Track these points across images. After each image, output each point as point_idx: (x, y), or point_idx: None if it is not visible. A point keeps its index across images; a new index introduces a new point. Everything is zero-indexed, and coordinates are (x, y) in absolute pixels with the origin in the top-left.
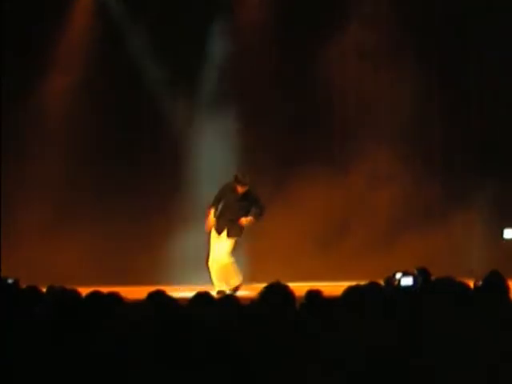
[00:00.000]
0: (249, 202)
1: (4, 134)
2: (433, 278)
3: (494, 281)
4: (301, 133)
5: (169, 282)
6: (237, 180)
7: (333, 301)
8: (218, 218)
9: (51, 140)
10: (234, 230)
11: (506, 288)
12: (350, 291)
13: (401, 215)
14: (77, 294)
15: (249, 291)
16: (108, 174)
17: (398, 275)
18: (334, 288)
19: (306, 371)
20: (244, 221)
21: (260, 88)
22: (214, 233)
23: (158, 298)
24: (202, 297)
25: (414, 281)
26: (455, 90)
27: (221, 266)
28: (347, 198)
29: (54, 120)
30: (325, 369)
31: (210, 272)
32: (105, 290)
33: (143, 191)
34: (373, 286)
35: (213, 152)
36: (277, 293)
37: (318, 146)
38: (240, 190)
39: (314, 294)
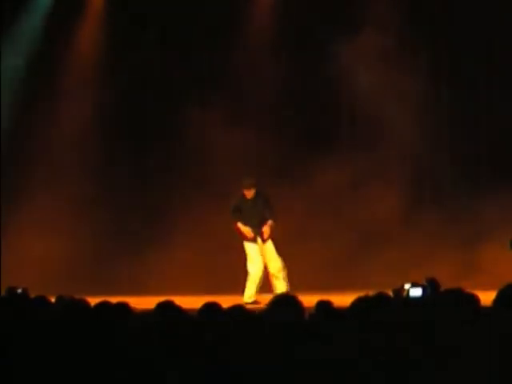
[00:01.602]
0: (261, 207)
1: (4, 133)
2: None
3: (509, 293)
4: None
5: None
6: (242, 185)
7: (342, 311)
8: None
9: (55, 143)
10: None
11: None
12: (358, 302)
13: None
14: (86, 304)
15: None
16: (114, 178)
17: (407, 286)
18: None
19: (317, 380)
20: (266, 233)
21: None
22: (250, 244)
23: (167, 308)
24: (211, 307)
25: (423, 292)
26: (465, 91)
27: (279, 269)
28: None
29: (62, 124)
30: (335, 377)
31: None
32: (114, 300)
33: (151, 194)
34: (381, 296)
35: (222, 163)
36: (286, 303)
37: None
38: (248, 195)
39: (324, 304)
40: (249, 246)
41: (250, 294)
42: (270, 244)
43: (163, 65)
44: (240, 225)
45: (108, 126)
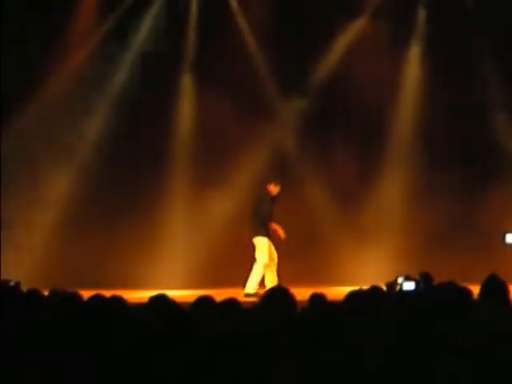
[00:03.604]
0: (268, 206)
1: (5, 134)
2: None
3: (492, 285)
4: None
5: (171, 287)
6: (273, 182)
7: (336, 304)
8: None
9: (54, 141)
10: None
11: (505, 292)
12: (352, 295)
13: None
14: (79, 298)
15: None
16: (109, 176)
17: (400, 280)
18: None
19: (309, 373)
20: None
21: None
22: (266, 240)
23: (160, 301)
24: (204, 301)
25: (416, 285)
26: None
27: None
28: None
29: (58, 122)
30: (327, 370)
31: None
32: (107, 293)
33: (144, 194)
34: (375, 290)
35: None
36: (278, 296)
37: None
38: (274, 191)
39: (318, 298)
40: (262, 240)
41: (252, 286)
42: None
43: (159, 58)
44: (275, 226)
45: (107, 122)
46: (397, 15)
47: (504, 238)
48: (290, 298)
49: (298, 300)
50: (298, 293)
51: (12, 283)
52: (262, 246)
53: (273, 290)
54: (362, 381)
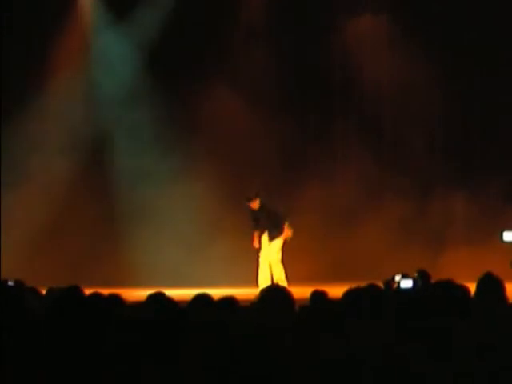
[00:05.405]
0: (264, 218)
1: (4, 131)
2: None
3: (488, 283)
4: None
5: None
6: (246, 199)
7: (336, 302)
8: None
9: (52, 137)
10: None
11: (501, 290)
12: (349, 293)
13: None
14: (79, 291)
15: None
16: (108, 175)
17: (398, 278)
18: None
19: (306, 373)
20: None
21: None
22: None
23: (158, 299)
24: (202, 298)
25: (414, 283)
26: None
27: (267, 266)
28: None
29: (57, 116)
30: (324, 371)
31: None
32: (105, 291)
33: (145, 193)
34: (372, 288)
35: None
36: (276, 295)
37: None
38: (253, 206)
39: (319, 295)
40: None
41: (263, 279)
42: (273, 246)
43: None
44: (254, 234)
45: (107, 119)
46: (397, 12)
47: (501, 235)
48: (287, 296)
49: (299, 298)
50: (297, 291)
51: (12, 283)
52: None
53: (270, 288)
54: (361, 379)
